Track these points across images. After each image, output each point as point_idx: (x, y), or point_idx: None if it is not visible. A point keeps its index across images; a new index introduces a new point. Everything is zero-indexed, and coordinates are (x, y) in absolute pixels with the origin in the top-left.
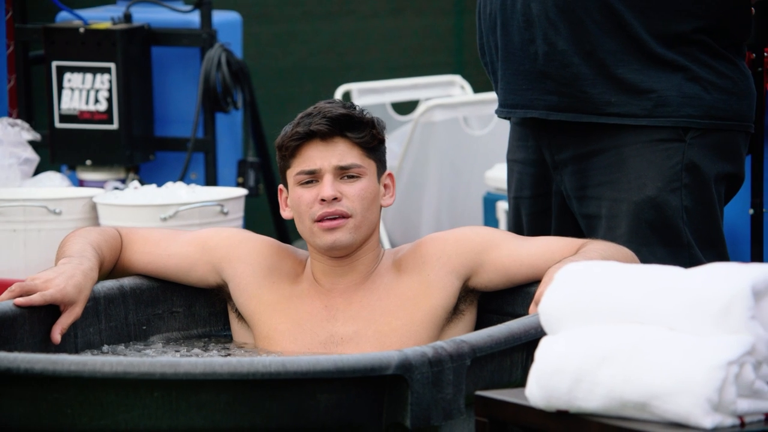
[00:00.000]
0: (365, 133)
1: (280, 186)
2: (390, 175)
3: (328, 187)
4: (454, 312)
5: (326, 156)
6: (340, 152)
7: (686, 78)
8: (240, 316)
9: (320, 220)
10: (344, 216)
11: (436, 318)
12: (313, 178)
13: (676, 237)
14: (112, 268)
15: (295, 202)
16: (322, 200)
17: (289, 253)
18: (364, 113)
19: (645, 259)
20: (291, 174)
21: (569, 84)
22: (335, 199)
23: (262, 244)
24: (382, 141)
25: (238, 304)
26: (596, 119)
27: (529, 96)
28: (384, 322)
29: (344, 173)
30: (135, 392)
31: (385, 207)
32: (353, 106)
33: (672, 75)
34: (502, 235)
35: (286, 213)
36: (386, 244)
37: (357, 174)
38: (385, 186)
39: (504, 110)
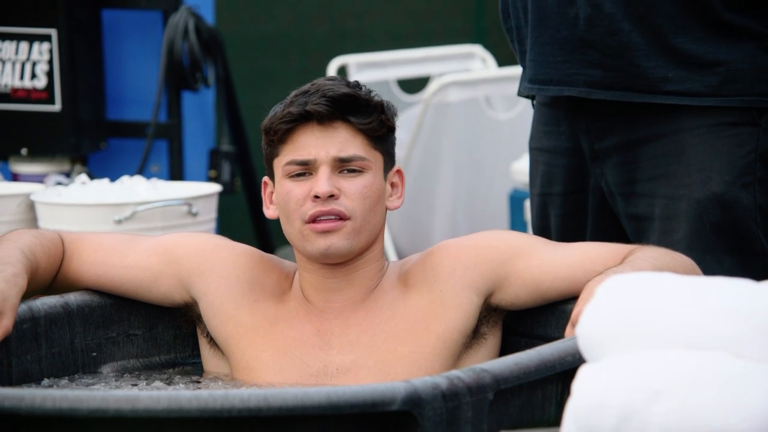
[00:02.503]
0: (372, 119)
1: (265, 178)
2: (399, 171)
3: (323, 181)
4: (474, 335)
5: (323, 144)
6: (341, 140)
7: (762, 47)
8: (213, 342)
9: (312, 220)
10: (341, 217)
11: (452, 343)
12: (306, 170)
13: (748, 243)
14: (51, 279)
15: (283, 198)
16: (316, 197)
17: (273, 265)
18: (372, 95)
19: (709, 269)
20: (279, 164)
21: (617, 55)
22: (332, 196)
23: (240, 254)
24: (392, 129)
25: (210, 326)
26: (649, 99)
27: (566, 69)
28: (388, 349)
29: (344, 166)
30: None
31: (391, 210)
32: (359, 86)
33: (744, 44)
34: (530, 240)
35: (270, 211)
36: (391, 254)
37: (359, 168)
38: (393, 185)
39: (533, 87)
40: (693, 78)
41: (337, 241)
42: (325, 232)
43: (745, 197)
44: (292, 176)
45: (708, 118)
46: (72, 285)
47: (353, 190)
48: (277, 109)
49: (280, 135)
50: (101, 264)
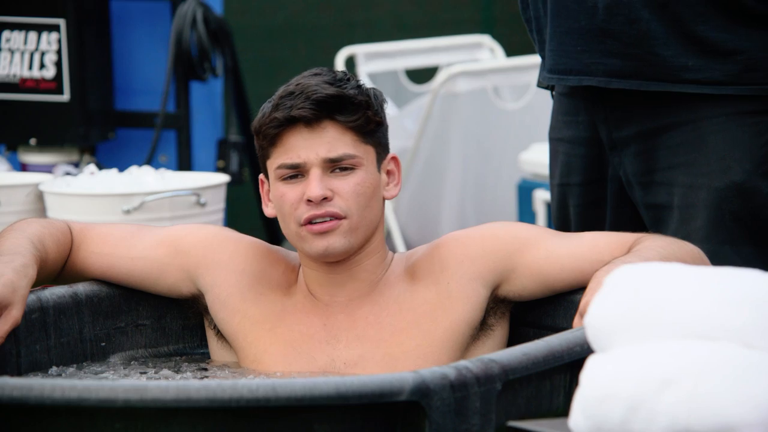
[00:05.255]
0: (359, 116)
1: (261, 176)
2: (394, 158)
3: (315, 185)
4: (481, 327)
5: (312, 146)
6: (329, 140)
7: None
8: (220, 334)
9: (308, 222)
10: (337, 217)
11: (459, 335)
12: (297, 172)
13: (767, 233)
14: (59, 269)
15: (278, 201)
16: (309, 201)
17: (279, 257)
18: (360, 87)
19: (727, 259)
20: (271, 166)
21: (636, 44)
22: (325, 198)
23: (247, 246)
24: (380, 123)
25: (217, 320)
26: (669, 87)
27: (586, 59)
28: (395, 342)
29: (335, 166)
30: (92, 423)
31: (388, 199)
32: (344, 78)
33: (764, 33)
34: (538, 231)
35: (269, 210)
36: (399, 244)
37: (351, 165)
38: (389, 173)
39: (553, 77)
40: (713, 66)
41: (335, 241)
42: (322, 233)
43: (765, 186)
44: (284, 179)
45: (728, 107)
46: (79, 275)
47: (346, 189)
48: (265, 108)
49: (269, 139)
50: (109, 255)
